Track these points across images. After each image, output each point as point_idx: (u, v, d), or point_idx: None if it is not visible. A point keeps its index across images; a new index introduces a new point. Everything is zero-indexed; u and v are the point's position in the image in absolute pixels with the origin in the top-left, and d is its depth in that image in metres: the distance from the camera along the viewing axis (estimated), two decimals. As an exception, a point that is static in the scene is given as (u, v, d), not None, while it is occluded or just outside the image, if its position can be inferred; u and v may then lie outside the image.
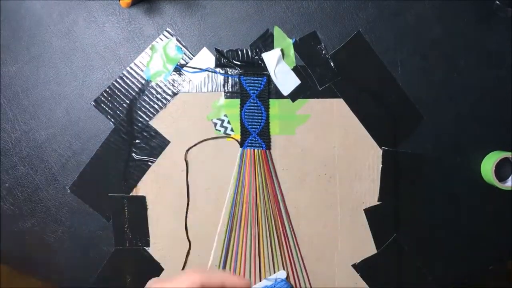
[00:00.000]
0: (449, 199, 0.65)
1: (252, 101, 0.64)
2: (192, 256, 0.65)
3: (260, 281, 0.64)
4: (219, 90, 0.64)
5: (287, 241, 0.65)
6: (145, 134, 0.64)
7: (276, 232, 0.65)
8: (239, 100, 0.64)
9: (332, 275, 0.65)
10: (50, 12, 0.64)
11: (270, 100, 0.64)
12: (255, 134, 0.64)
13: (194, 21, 0.64)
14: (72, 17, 0.64)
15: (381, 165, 0.65)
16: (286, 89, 0.64)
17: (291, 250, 0.65)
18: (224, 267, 0.65)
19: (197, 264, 0.65)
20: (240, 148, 0.64)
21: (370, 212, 0.65)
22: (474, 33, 0.64)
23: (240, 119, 0.64)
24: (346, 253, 0.65)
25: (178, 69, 0.64)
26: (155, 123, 0.64)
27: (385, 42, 0.64)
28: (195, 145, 0.63)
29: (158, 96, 0.64)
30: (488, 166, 0.63)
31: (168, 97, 0.64)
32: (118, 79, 0.64)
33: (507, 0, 0.63)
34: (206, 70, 0.64)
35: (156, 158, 0.64)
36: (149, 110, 0.64)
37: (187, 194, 0.64)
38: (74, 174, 0.65)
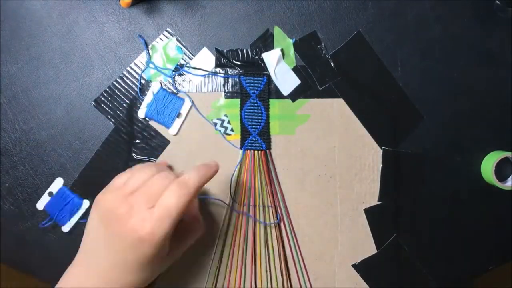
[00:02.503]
0: (449, 199, 0.65)
1: (252, 101, 0.64)
2: (191, 255, 0.65)
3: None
4: (219, 90, 0.64)
5: (287, 241, 0.65)
6: (145, 134, 0.64)
7: (276, 232, 0.65)
8: (239, 100, 0.64)
9: (332, 275, 0.65)
10: (50, 12, 0.64)
11: (270, 100, 0.64)
12: (255, 134, 0.64)
13: (194, 21, 0.64)
14: (72, 17, 0.64)
15: (381, 165, 0.65)
16: (286, 89, 0.64)
17: (291, 250, 0.65)
18: (220, 265, 0.65)
19: (196, 263, 0.65)
20: (240, 149, 0.64)
21: (370, 212, 0.65)
22: (474, 33, 0.64)
23: (240, 119, 0.64)
24: (346, 253, 0.65)
25: (178, 69, 0.64)
26: (155, 123, 0.64)
27: (385, 42, 0.64)
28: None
29: (158, 96, 0.64)
30: (488, 166, 0.63)
31: (168, 97, 0.64)
32: (118, 79, 0.64)
33: (507, 0, 0.63)
34: (205, 75, 0.64)
35: (156, 158, 0.64)
36: (149, 110, 0.64)
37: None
38: (74, 174, 0.65)
